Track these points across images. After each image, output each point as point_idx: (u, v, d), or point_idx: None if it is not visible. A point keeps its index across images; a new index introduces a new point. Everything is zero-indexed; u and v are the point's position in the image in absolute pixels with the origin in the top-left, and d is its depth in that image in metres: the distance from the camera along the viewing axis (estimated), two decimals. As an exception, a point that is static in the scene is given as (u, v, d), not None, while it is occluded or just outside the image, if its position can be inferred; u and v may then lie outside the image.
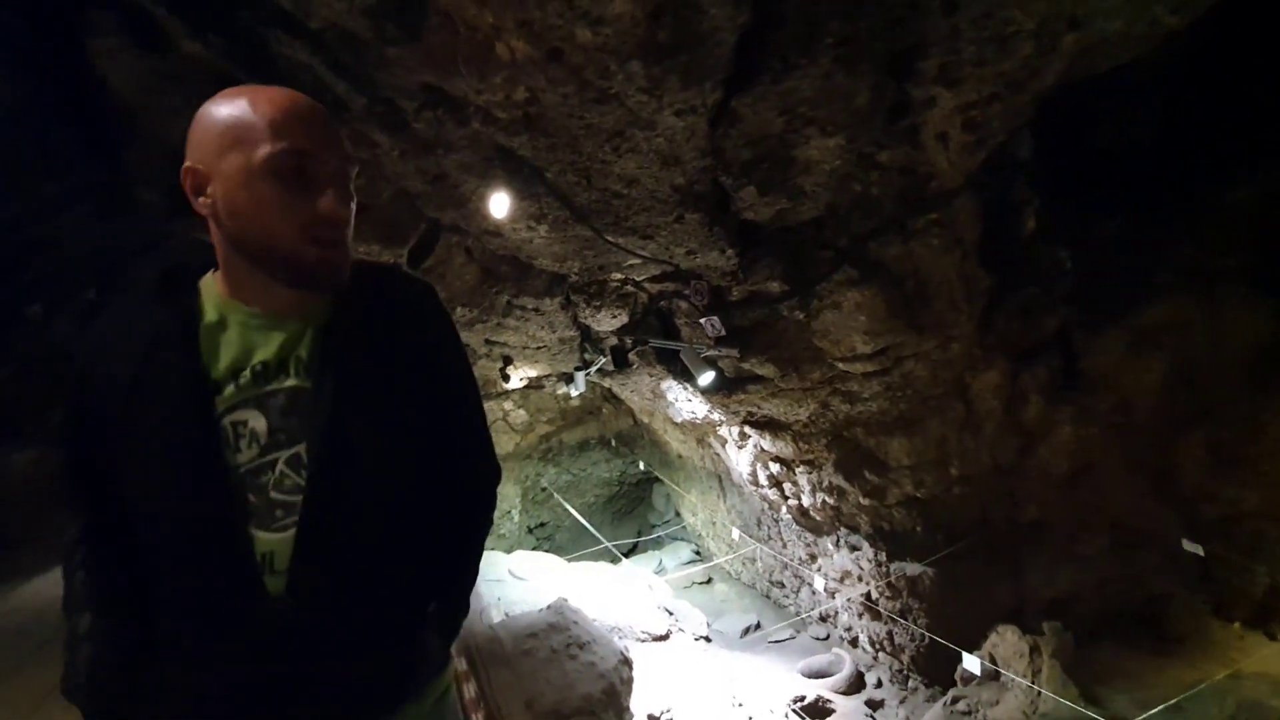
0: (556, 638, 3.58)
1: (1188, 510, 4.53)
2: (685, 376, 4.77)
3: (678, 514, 10.02)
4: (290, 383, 0.90)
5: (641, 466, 9.50)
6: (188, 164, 0.87)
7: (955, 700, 4.55)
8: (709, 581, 8.31)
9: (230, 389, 0.89)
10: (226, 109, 0.85)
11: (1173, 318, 4.26)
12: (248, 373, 0.89)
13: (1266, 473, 4.04)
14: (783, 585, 6.90)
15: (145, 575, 0.91)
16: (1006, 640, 4.34)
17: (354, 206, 0.92)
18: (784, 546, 6.32)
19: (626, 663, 3.64)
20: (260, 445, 0.88)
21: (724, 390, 4.27)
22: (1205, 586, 4.36)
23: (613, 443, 10.06)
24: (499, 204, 2.94)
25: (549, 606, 3.97)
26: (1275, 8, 3.32)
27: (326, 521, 0.89)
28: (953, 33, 2.36)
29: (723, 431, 5.47)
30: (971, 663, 3.44)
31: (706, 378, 3.88)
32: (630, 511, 11.23)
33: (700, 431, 6.30)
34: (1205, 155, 3.97)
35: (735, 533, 6.40)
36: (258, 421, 0.88)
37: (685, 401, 5.11)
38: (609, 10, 1.95)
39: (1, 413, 4.99)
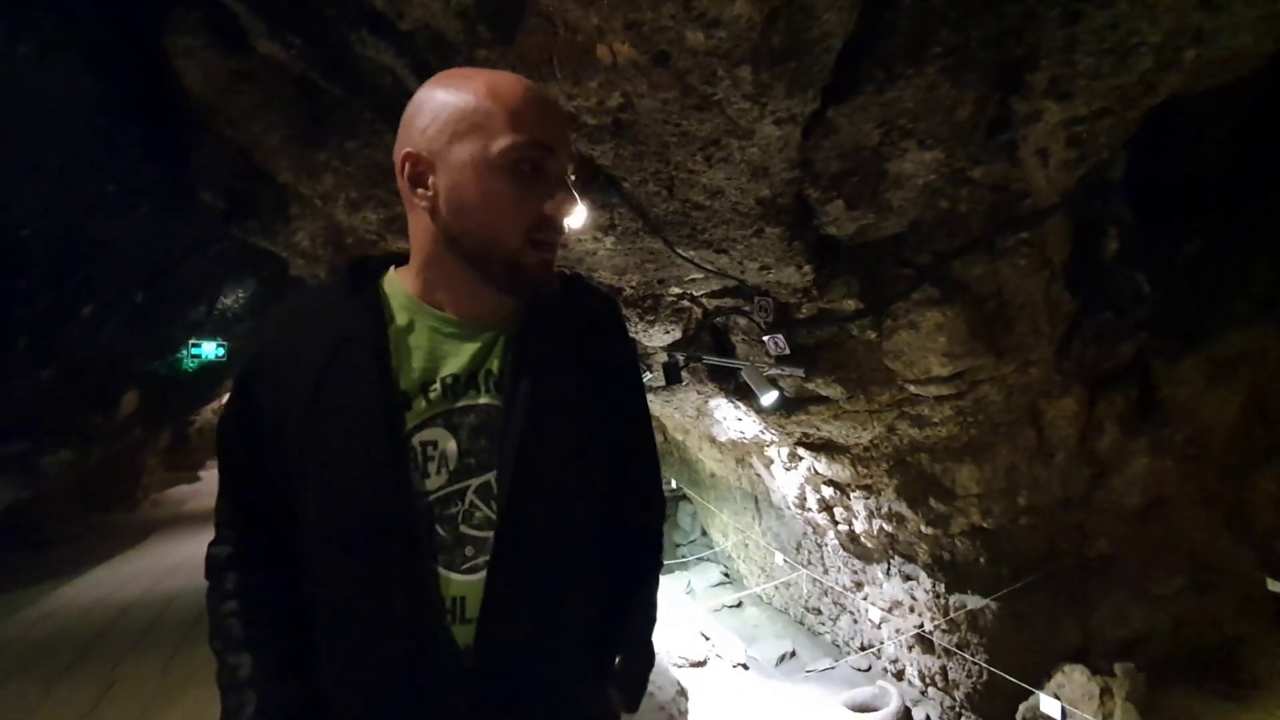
0: (611, 665, 3.43)
1: (1262, 548, 4.33)
2: (738, 395, 4.63)
3: (704, 533, 9.82)
4: (481, 400, 0.80)
5: (673, 484, 9.35)
6: (409, 150, 0.77)
7: (1017, 742, 4.34)
8: (739, 605, 8.09)
9: (421, 403, 0.79)
10: (460, 93, 0.76)
11: (1248, 347, 4.08)
12: (438, 386, 0.79)
13: (1352, 512, 3.83)
14: (819, 612, 6.68)
15: (310, 609, 0.80)
16: (1074, 681, 4.13)
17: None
18: (825, 572, 6.13)
19: (683, 693, 3.49)
20: (450, 470, 0.78)
21: (782, 410, 4.14)
22: (1285, 630, 4.15)
23: (640, 459, 9.93)
24: (576, 214, 2.84)
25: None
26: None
27: (520, 565, 0.77)
28: (1069, 44, 2.25)
29: (770, 452, 5.32)
30: (1050, 704, 3.26)
31: (770, 397, 3.75)
32: (653, 530, 11.07)
33: (742, 451, 6.15)
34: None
35: (779, 556, 6.22)
36: (447, 443, 0.78)
37: (734, 420, 4.98)
38: (727, 12, 1.86)
39: (41, 413, 4.95)
